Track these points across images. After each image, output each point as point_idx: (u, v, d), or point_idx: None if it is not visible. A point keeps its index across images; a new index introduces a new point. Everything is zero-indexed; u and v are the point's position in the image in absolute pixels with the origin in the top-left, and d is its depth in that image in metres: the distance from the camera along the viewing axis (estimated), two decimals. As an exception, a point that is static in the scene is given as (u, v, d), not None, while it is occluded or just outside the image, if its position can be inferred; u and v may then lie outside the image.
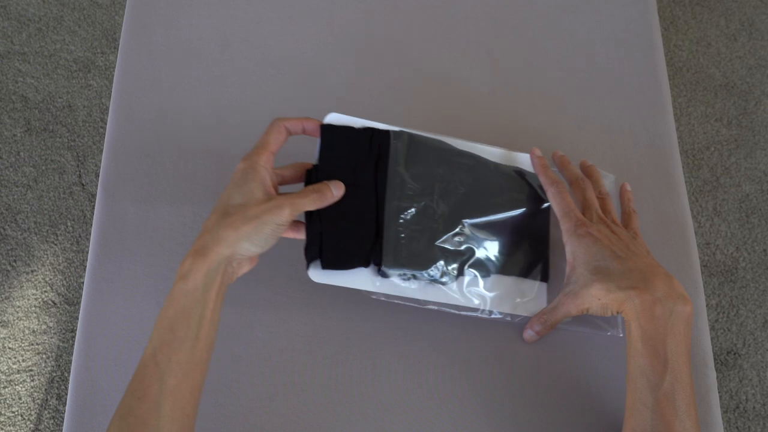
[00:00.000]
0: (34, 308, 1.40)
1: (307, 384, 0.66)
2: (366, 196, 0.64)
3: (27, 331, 1.38)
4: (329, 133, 0.64)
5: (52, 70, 1.63)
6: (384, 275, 0.64)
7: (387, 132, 0.66)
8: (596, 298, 0.59)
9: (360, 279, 0.64)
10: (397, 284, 0.64)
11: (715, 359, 1.39)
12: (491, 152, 0.70)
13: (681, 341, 0.56)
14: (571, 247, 0.62)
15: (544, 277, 0.69)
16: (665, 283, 0.57)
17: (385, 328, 0.68)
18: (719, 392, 1.37)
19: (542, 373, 0.67)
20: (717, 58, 1.70)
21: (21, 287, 1.42)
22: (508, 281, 0.68)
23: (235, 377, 0.66)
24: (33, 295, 1.41)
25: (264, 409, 0.65)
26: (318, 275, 0.62)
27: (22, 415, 1.32)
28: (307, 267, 0.62)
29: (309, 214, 0.62)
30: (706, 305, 1.25)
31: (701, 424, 0.65)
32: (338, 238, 0.62)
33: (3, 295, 1.41)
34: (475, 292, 0.66)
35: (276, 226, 0.57)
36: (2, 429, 1.32)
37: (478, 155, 0.69)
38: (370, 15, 0.84)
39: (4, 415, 1.32)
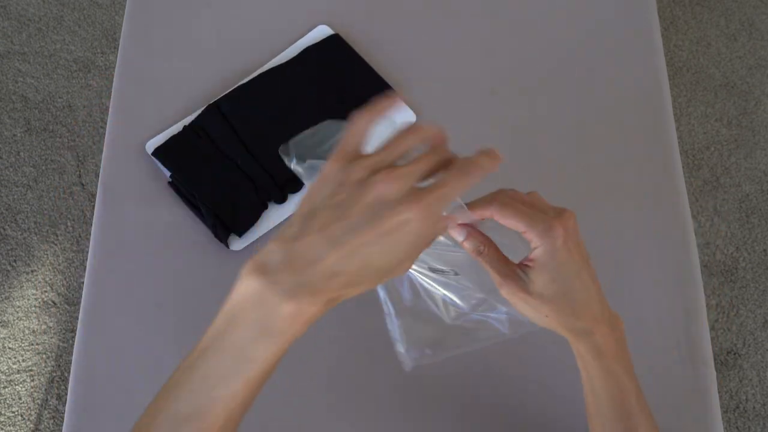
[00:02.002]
0: (34, 308, 1.40)
1: (307, 384, 0.66)
2: (220, 161, 0.73)
3: (27, 331, 1.38)
4: (163, 152, 0.74)
5: (52, 70, 1.63)
6: (281, 200, 0.72)
7: (200, 114, 0.76)
8: (538, 317, 0.52)
9: (270, 219, 0.72)
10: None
11: (715, 359, 1.38)
12: None
13: (616, 359, 0.53)
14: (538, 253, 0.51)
15: None
16: (596, 319, 0.52)
17: (383, 328, 0.68)
18: (719, 392, 1.36)
19: (543, 371, 0.67)
20: (717, 58, 1.70)
21: (21, 287, 1.42)
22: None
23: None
24: (33, 295, 1.41)
25: (263, 410, 0.65)
26: (239, 243, 0.70)
27: (22, 415, 1.32)
28: (227, 246, 0.70)
29: (197, 210, 0.70)
30: (706, 305, 1.24)
31: (701, 425, 0.65)
32: (227, 207, 0.71)
33: (3, 295, 1.41)
34: None
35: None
36: (2, 429, 1.32)
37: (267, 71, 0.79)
38: (371, 15, 0.84)
39: (4, 415, 1.32)
